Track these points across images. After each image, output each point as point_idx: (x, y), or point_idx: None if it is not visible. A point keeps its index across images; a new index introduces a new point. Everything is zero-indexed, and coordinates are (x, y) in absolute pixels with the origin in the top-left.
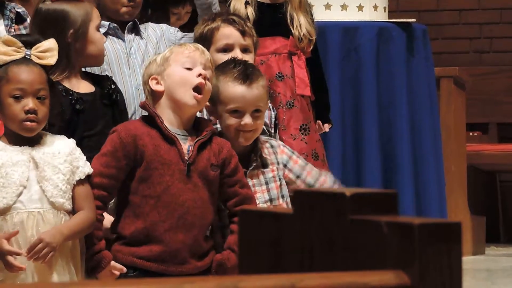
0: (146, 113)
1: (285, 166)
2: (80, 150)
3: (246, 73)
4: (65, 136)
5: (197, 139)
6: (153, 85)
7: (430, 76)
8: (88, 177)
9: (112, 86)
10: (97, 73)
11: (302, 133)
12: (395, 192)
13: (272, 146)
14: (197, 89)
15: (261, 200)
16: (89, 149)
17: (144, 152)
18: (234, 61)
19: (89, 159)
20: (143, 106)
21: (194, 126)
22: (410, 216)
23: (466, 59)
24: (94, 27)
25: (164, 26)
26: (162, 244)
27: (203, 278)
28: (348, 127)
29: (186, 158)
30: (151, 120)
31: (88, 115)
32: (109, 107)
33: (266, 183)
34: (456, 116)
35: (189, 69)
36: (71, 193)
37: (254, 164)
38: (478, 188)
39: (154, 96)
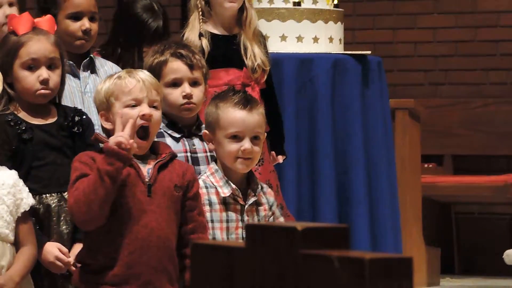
0: None
1: (270, 208)
2: (23, 182)
3: (247, 99)
4: (6, 167)
5: (157, 160)
6: (102, 121)
7: (385, 108)
8: (30, 210)
9: (76, 119)
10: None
11: (256, 164)
12: (346, 226)
13: (262, 187)
14: (140, 133)
15: None
16: (37, 179)
17: None
18: (233, 90)
19: (32, 191)
20: (95, 138)
21: (152, 150)
22: (362, 251)
23: (422, 91)
24: (20, 64)
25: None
26: (126, 267)
27: None
28: (303, 158)
29: (146, 180)
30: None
31: (38, 145)
32: (68, 139)
33: (259, 221)
34: (411, 148)
35: (134, 106)
36: (14, 225)
37: (252, 200)
38: (433, 219)
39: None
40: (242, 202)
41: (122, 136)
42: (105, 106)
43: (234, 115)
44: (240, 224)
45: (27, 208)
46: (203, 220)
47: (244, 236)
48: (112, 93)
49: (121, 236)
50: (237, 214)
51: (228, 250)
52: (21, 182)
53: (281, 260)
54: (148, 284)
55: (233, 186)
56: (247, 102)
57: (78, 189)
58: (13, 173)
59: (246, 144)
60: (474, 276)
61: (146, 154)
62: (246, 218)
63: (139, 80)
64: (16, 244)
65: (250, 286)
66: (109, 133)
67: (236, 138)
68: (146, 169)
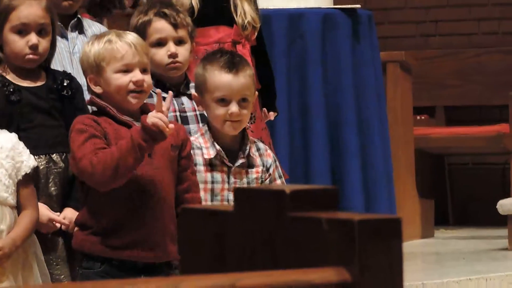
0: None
1: (267, 169)
2: (23, 144)
3: (233, 61)
4: (6, 130)
5: None
6: (91, 85)
7: (376, 62)
8: (33, 171)
9: (65, 82)
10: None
11: (248, 122)
12: (335, 188)
13: (258, 149)
14: (134, 91)
15: None
16: (26, 141)
17: (107, 134)
18: (220, 51)
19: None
20: (91, 102)
21: (142, 112)
22: (351, 212)
23: (412, 42)
24: (9, 28)
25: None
26: (131, 230)
27: (145, 280)
28: (295, 114)
29: None
30: (102, 112)
31: (25, 107)
32: (57, 102)
33: (248, 183)
34: (403, 100)
35: (125, 71)
36: (14, 188)
37: (240, 162)
38: (426, 171)
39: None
40: (228, 164)
41: (161, 118)
42: (94, 70)
43: (220, 78)
44: (226, 186)
45: (28, 171)
46: (195, 179)
47: (229, 198)
48: (104, 58)
49: (125, 198)
50: (223, 176)
51: (217, 214)
52: (21, 144)
53: (270, 223)
54: (154, 245)
55: (218, 147)
56: (233, 65)
57: (105, 152)
58: (12, 136)
59: (233, 107)
60: (468, 227)
61: (137, 115)
62: (233, 180)
63: (130, 44)
64: (18, 208)
65: (239, 249)
66: (99, 96)
67: (224, 101)
68: None
